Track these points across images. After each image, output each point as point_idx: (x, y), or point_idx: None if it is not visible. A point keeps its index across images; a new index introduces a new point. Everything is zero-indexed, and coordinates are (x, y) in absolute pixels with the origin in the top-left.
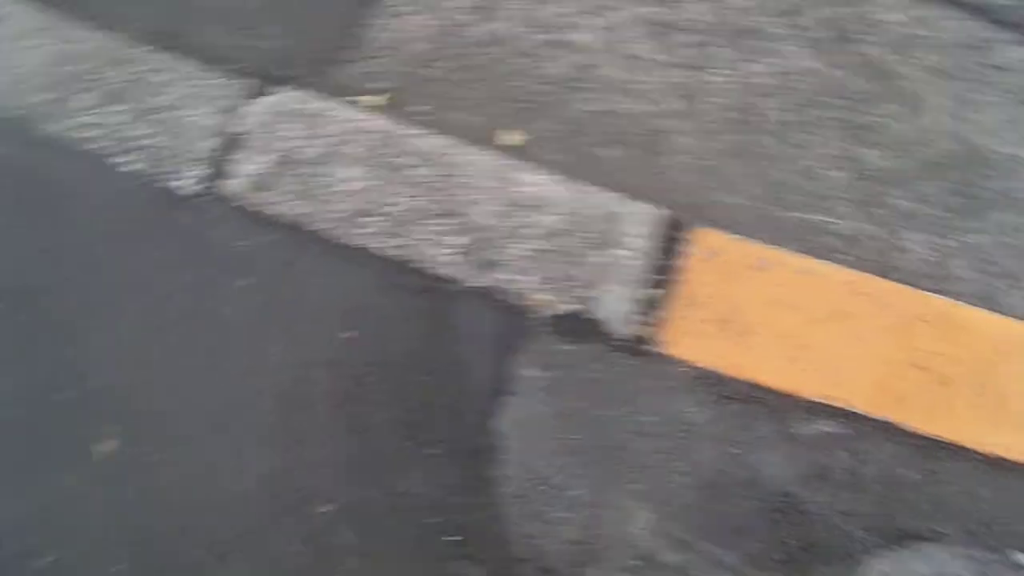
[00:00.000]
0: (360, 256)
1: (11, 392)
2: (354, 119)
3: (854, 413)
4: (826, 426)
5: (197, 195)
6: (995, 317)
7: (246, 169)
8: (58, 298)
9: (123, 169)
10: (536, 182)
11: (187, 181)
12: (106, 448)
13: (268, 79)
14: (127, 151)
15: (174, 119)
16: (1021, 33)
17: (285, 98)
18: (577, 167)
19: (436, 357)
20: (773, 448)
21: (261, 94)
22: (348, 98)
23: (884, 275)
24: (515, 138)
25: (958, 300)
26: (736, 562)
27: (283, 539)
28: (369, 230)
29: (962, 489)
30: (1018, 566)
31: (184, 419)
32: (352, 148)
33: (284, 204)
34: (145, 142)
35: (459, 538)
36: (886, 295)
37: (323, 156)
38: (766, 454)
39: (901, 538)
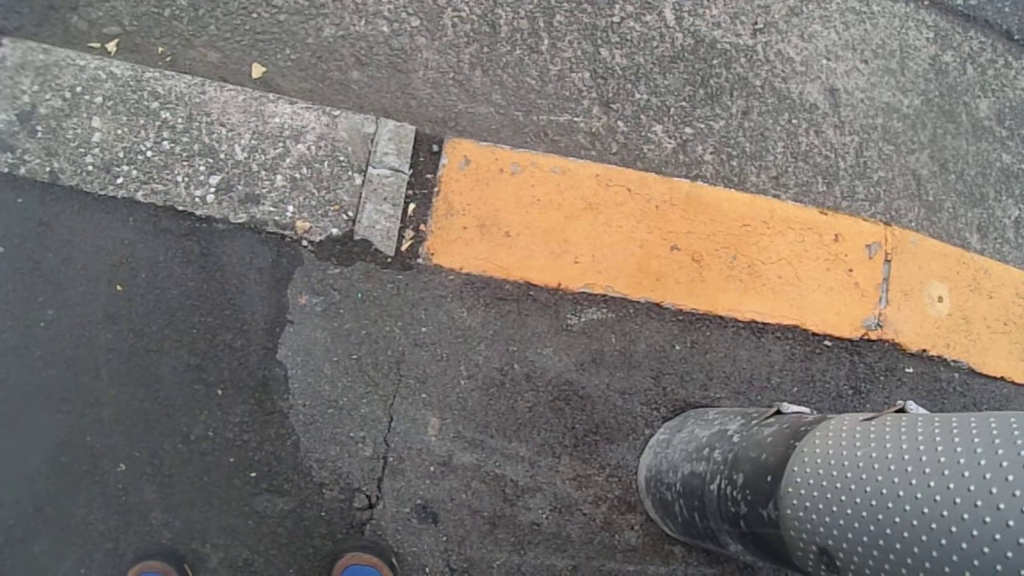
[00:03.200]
0: (120, 206)
1: None
2: (91, 66)
3: (619, 298)
4: (595, 314)
5: None
6: (739, 194)
7: None
8: None
9: None
10: (285, 112)
11: None
12: None
13: None
14: None
15: None
16: None
17: (13, 50)
18: (325, 93)
19: (212, 297)
20: (548, 341)
21: None
22: (81, 45)
23: (631, 166)
24: (257, 71)
25: (704, 183)
26: (529, 453)
27: (83, 507)
28: (124, 179)
29: (725, 355)
30: (783, 413)
31: None
32: (94, 96)
33: (31, 163)
34: None
35: (258, 473)
36: (634, 184)
37: (65, 108)
38: (542, 348)
39: (678, 408)
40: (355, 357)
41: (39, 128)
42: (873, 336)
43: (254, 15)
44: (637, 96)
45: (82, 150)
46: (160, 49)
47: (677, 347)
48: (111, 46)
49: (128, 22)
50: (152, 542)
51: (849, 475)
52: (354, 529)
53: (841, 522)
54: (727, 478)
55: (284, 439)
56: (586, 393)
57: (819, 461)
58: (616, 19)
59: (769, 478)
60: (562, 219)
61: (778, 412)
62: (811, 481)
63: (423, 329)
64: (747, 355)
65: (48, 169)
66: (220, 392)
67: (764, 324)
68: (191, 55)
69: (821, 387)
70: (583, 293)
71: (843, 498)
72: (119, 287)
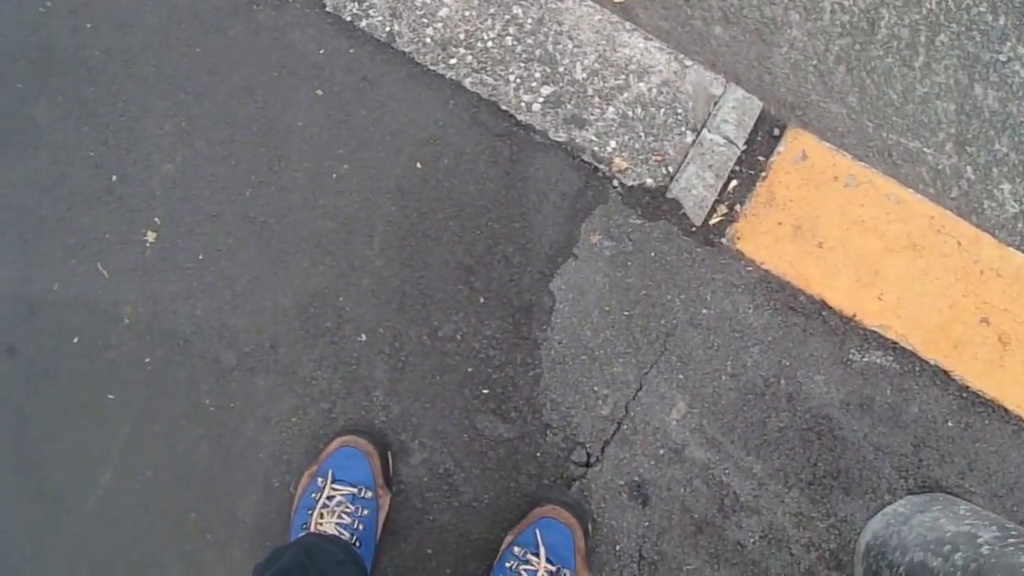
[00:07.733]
0: (444, 86)
1: (56, 172)
2: None
3: (909, 351)
4: (879, 357)
5: None
6: None
7: None
8: (121, 71)
9: None
10: (638, 46)
11: None
12: (148, 239)
13: None
14: None
15: None
16: None
17: None
18: (683, 38)
19: (506, 205)
20: (823, 369)
21: None
22: None
23: (966, 218)
24: None
25: None
26: (762, 473)
27: (313, 362)
28: (457, 61)
29: (996, 451)
30: None
31: (233, 220)
32: None
33: (375, 18)
34: None
35: (491, 392)
36: (967, 240)
37: None
38: (815, 373)
39: (927, 486)
40: (627, 313)
41: None
42: None
43: None
44: (996, 147)
45: (425, 20)
46: None
47: (950, 423)
48: None
49: None
50: (365, 419)
51: None
52: (562, 481)
53: None
54: None
55: (528, 368)
56: (841, 434)
57: None
58: (1003, 58)
59: None
60: (881, 249)
61: None
62: None
63: (704, 310)
64: (1019, 459)
65: (388, 30)
66: (482, 300)
67: None
68: None
69: None
70: (875, 332)
71: None
72: (419, 164)
